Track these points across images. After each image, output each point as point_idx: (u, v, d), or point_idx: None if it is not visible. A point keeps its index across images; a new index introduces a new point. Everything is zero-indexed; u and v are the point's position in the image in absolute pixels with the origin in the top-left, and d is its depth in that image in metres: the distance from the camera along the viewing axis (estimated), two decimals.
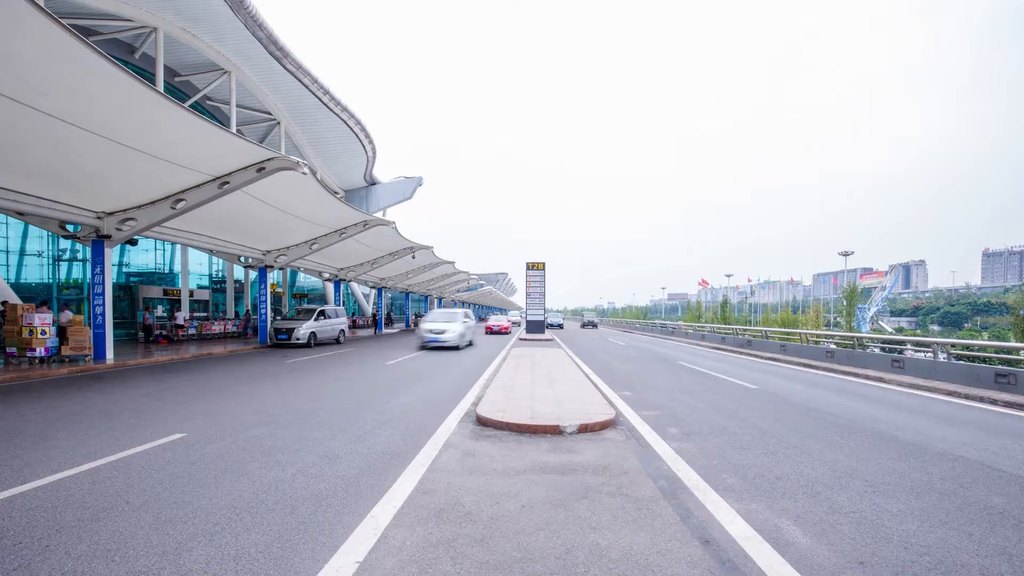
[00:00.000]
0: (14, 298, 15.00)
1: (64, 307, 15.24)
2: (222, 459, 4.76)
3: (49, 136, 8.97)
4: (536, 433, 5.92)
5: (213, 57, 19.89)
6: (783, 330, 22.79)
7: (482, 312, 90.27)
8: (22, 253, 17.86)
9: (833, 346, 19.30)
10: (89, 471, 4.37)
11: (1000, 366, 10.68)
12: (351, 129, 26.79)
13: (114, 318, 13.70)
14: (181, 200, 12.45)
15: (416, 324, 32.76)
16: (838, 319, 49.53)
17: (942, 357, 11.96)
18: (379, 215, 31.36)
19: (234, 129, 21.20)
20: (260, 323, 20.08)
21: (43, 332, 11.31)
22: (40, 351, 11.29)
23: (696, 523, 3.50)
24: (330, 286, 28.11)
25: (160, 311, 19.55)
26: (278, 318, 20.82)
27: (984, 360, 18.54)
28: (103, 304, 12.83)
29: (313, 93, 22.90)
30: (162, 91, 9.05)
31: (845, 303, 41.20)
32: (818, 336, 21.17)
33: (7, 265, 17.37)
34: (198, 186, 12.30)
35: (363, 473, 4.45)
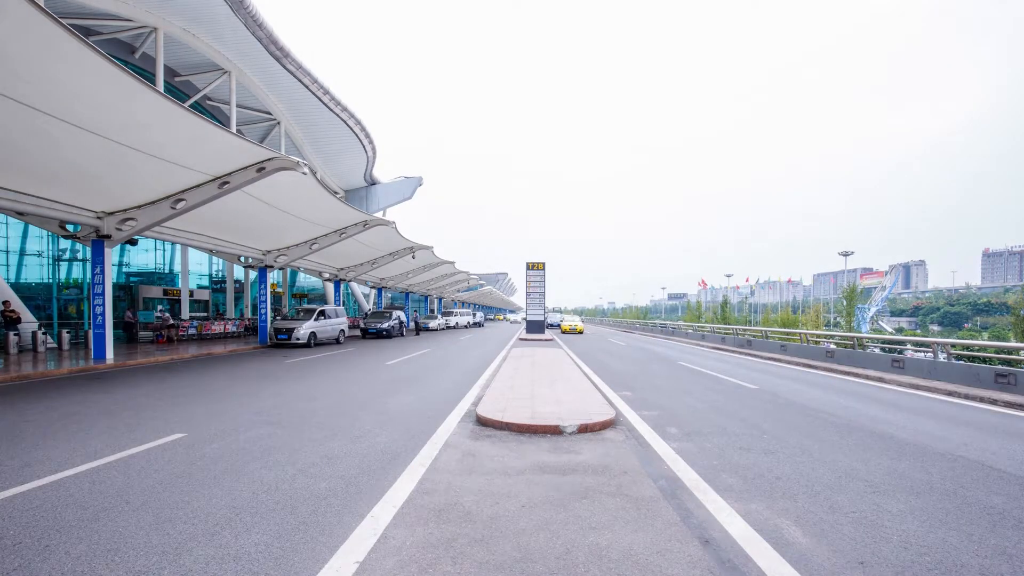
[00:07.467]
0: (15, 298, 15.02)
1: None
2: (222, 459, 4.76)
3: (49, 136, 8.97)
4: (536, 433, 5.92)
5: (213, 57, 19.89)
6: (783, 330, 22.76)
7: (482, 311, 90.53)
8: (22, 253, 17.84)
9: (833, 346, 19.31)
10: (89, 471, 4.37)
11: (1000, 366, 10.67)
12: (351, 129, 26.79)
13: (114, 318, 13.71)
14: (181, 200, 12.45)
15: (417, 325, 33.04)
16: (838, 319, 49.55)
17: (942, 357, 11.95)
18: (379, 215, 31.38)
19: (234, 129, 21.21)
20: (260, 323, 20.10)
21: None
22: None
23: (696, 523, 3.50)
24: (330, 286, 28.11)
25: (160, 310, 19.54)
26: (278, 318, 20.83)
27: (984, 360, 18.54)
28: (103, 304, 12.83)
29: (313, 93, 22.90)
30: (162, 91, 9.05)
31: (845, 303, 41.23)
32: (818, 336, 21.14)
33: (7, 265, 17.34)
34: (198, 186, 12.31)
35: (363, 473, 4.45)
